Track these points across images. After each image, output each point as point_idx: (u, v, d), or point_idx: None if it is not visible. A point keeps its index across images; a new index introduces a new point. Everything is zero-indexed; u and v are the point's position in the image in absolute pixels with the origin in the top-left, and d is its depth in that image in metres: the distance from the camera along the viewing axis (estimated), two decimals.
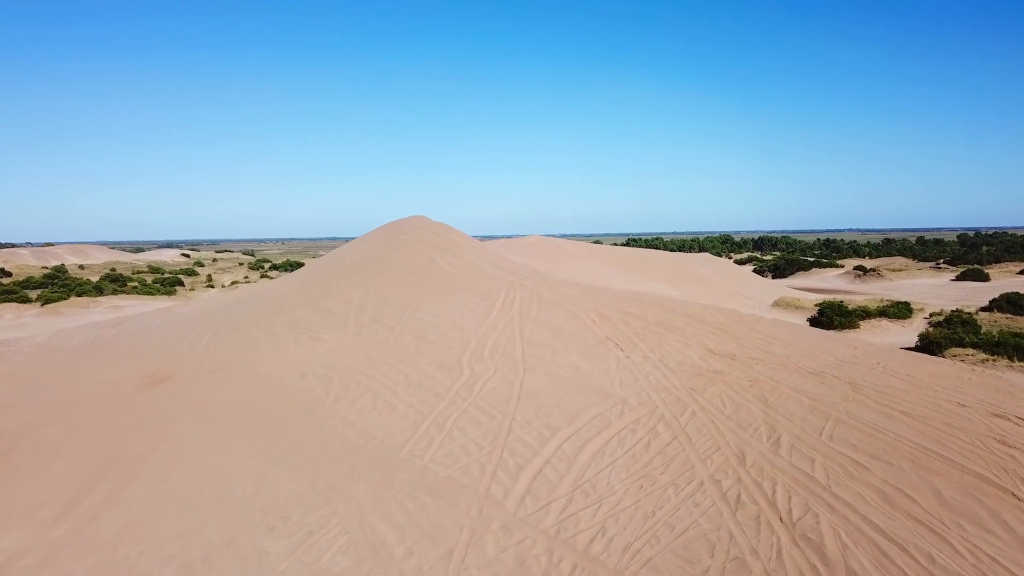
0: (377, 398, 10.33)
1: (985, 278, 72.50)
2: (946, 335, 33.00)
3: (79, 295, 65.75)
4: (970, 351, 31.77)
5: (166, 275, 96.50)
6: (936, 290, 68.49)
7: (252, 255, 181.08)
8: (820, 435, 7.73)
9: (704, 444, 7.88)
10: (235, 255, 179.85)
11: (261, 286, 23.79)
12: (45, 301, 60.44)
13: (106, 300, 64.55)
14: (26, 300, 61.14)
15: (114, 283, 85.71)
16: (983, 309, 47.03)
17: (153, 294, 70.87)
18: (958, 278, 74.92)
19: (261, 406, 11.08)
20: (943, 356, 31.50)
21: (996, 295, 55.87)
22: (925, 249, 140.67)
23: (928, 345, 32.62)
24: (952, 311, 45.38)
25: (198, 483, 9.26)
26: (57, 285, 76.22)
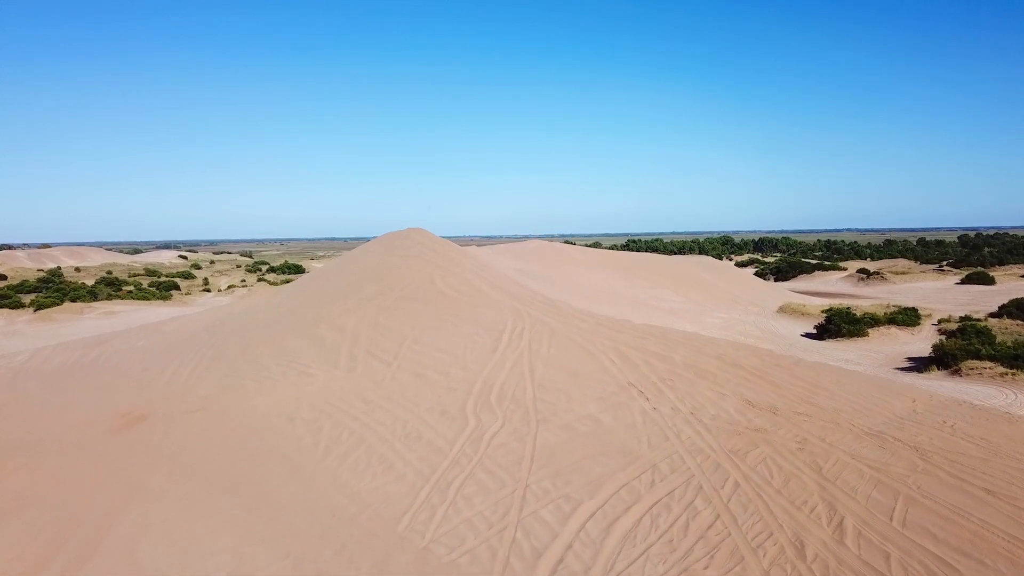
0: (372, 452, 9.19)
1: (990, 281, 71.50)
2: (961, 346, 31.87)
3: (73, 300, 64.60)
4: (987, 364, 30.63)
5: (162, 279, 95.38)
6: (941, 294, 67.42)
7: (250, 256, 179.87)
8: (891, 519, 6.58)
9: (753, 527, 6.75)
10: (233, 256, 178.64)
11: (253, 301, 22.63)
12: (38, 307, 59.26)
13: (100, 305, 63.39)
14: (19, 305, 59.99)
15: (109, 287, 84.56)
16: (992, 315, 45.96)
17: (148, 299, 69.73)
18: (963, 281, 73.93)
19: (243, 457, 9.94)
20: (959, 368, 30.43)
21: (1003, 299, 54.84)
22: (927, 251, 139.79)
23: (943, 357, 31.49)
24: (961, 317, 44.34)
25: (167, 558, 8.10)
26: (51, 289, 75.08)
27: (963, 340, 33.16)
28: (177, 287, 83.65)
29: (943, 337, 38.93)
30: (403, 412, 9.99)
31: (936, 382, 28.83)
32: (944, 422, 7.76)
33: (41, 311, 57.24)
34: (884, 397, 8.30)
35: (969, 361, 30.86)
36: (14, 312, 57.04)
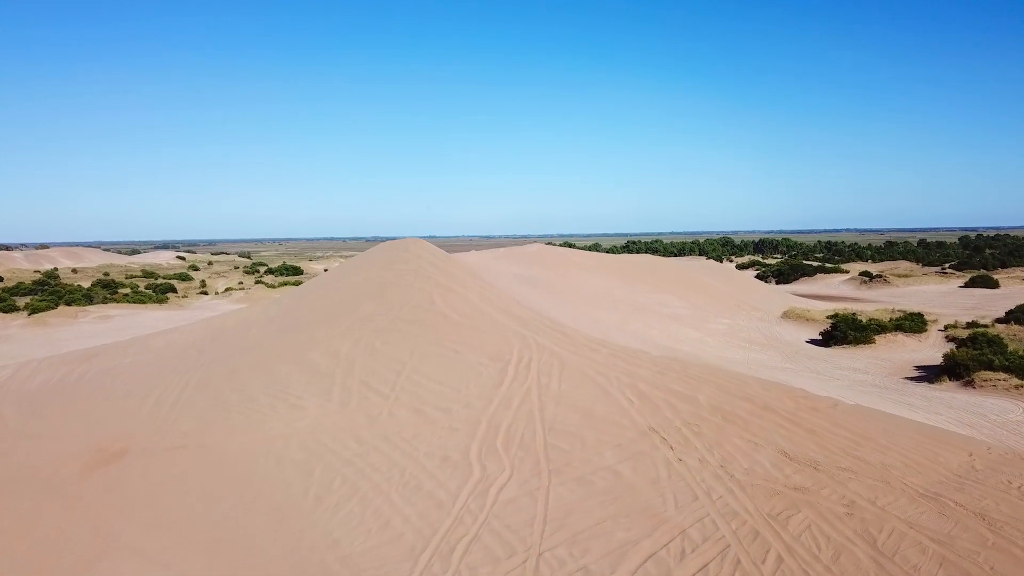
0: (366, 504, 8.32)
1: (994, 285, 70.77)
2: (973, 356, 31.01)
3: (68, 303, 63.73)
4: (1002, 376, 29.80)
5: (159, 281, 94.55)
6: (945, 297, 66.65)
7: (248, 257, 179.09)
8: None
9: None
10: (231, 257, 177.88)
11: (246, 314, 21.76)
12: (32, 310, 58.40)
13: (95, 309, 62.52)
14: (13, 308, 59.15)
15: (105, 289, 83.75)
16: (999, 320, 45.19)
17: (144, 302, 68.88)
18: (967, 285, 73.19)
19: (226, 505, 9.09)
20: (972, 380, 29.59)
21: (1008, 303, 54.10)
22: (928, 252, 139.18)
23: (954, 367, 30.67)
24: (968, 323, 43.54)
25: None
26: (47, 292, 74.28)
27: (975, 349, 32.32)
28: (174, 289, 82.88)
29: (952, 345, 38.09)
30: (401, 456, 9.12)
31: (949, 394, 27.98)
32: (1010, 483, 6.91)
33: (35, 315, 56.41)
34: (937, 449, 7.44)
35: (982, 372, 30.03)
36: (8, 316, 56.19)
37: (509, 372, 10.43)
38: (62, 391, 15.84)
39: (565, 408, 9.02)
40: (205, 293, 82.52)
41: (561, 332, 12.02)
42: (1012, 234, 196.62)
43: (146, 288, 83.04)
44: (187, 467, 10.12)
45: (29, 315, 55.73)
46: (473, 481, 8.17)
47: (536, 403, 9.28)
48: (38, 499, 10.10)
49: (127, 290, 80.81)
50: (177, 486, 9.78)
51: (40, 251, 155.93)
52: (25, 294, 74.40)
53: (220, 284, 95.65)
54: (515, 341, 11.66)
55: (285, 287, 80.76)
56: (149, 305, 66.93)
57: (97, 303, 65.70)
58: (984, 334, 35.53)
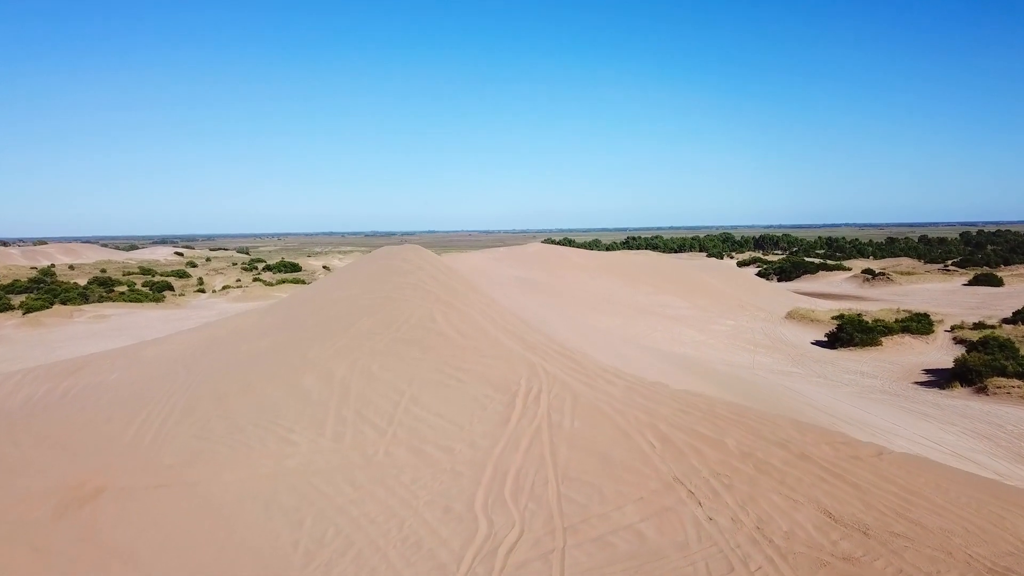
0: (361, 563, 7.51)
1: (998, 283, 70.15)
2: (985, 362, 30.23)
3: (64, 302, 63.00)
4: (1015, 383, 29.05)
5: (156, 278, 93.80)
6: (949, 296, 65.97)
7: (247, 253, 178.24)
8: None
9: None
10: (229, 253, 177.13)
11: (239, 323, 20.92)
12: (27, 310, 57.63)
13: (90, 309, 61.74)
14: (8, 307, 58.42)
15: (102, 287, 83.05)
16: (1006, 321, 44.57)
17: (141, 300, 68.14)
18: (970, 283, 72.61)
19: (207, 557, 8.27)
20: (985, 386, 28.82)
21: (1013, 302, 53.58)
22: (930, 249, 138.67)
23: (966, 373, 29.90)
24: (975, 324, 42.83)
25: None
26: (42, 290, 73.58)
27: (987, 355, 31.54)
28: (171, 287, 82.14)
29: (961, 347, 37.36)
30: (399, 504, 8.30)
31: (962, 401, 27.21)
32: None
33: (30, 314, 55.63)
34: (1001, 511, 6.64)
35: (995, 379, 29.27)
36: (2, 315, 55.41)
37: (517, 406, 9.60)
38: (43, 412, 15.02)
39: (580, 452, 8.21)
40: (202, 291, 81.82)
41: (571, 358, 11.17)
42: (1013, 230, 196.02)
43: (143, 286, 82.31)
44: (167, 510, 9.32)
45: (24, 314, 54.96)
46: (480, 539, 7.37)
47: (547, 444, 8.47)
48: (5, 546, 9.30)
49: (124, 288, 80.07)
50: (155, 533, 8.98)
51: (37, 247, 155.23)
52: (21, 292, 73.69)
53: (218, 282, 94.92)
54: (522, 369, 10.83)
55: (283, 285, 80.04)
56: (145, 304, 66.17)
57: (93, 302, 64.94)
58: (995, 338, 34.76)
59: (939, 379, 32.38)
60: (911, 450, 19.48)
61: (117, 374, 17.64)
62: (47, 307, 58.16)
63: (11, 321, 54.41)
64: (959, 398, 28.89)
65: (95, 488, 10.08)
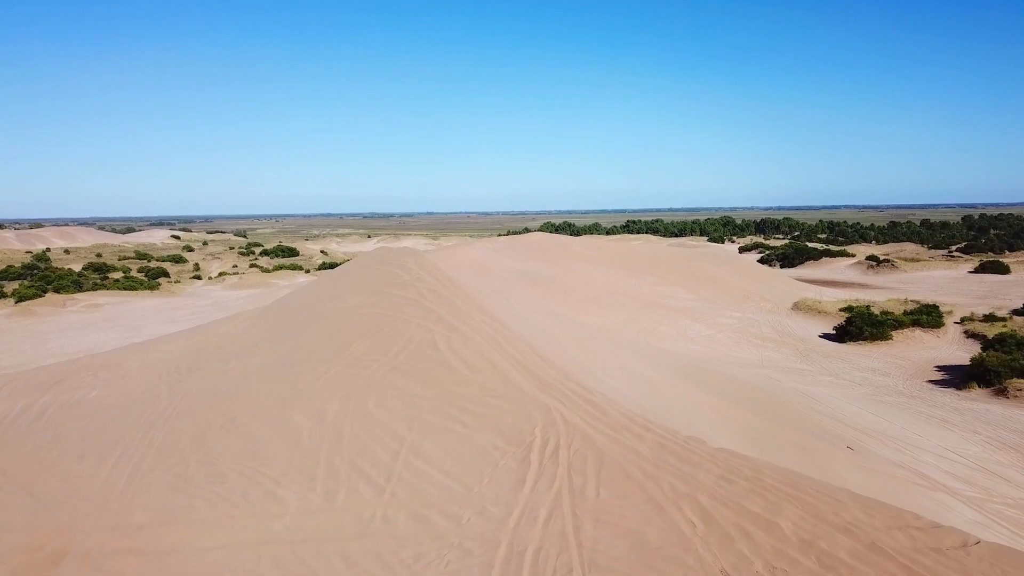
0: None
1: (1005, 270, 69.15)
2: (1004, 361, 29.24)
3: (57, 290, 61.95)
4: None
5: (151, 264, 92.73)
6: (955, 284, 64.91)
7: (244, 236, 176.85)
8: None
9: None
10: (226, 237, 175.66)
11: (229, 329, 19.97)
12: (19, 298, 56.61)
13: (84, 297, 60.63)
14: (1, 295, 57.48)
15: (97, 273, 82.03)
16: (1016, 312, 43.63)
17: (135, 288, 67.04)
18: (976, 270, 71.57)
19: None
20: (1004, 388, 27.86)
21: (1023, 291, 52.67)
22: (933, 233, 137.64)
23: (983, 373, 28.97)
24: (984, 315, 41.86)
25: None
26: (36, 277, 72.51)
27: (1005, 354, 30.58)
28: (166, 274, 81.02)
29: (973, 341, 36.42)
30: None
31: (982, 405, 26.32)
32: None
33: (22, 303, 54.58)
34: None
35: (1016, 380, 28.31)
36: None
37: (532, 464, 8.56)
38: (13, 441, 13.99)
39: (608, 530, 7.20)
40: (198, 277, 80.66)
41: (591, 401, 10.11)
42: (1016, 213, 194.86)
43: (138, 272, 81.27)
44: None
45: (16, 303, 53.92)
46: None
47: (570, 518, 7.47)
48: None
49: (119, 274, 79.02)
50: None
51: (33, 231, 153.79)
52: (15, 278, 72.66)
53: (214, 267, 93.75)
54: (536, 415, 9.78)
55: (280, 271, 78.95)
56: (140, 292, 65.05)
57: (87, 290, 63.81)
58: (1012, 335, 33.79)
59: (954, 378, 31.45)
60: (939, 467, 18.54)
61: (97, 391, 16.63)
62: (40, 295, 57.13)
63: (3, 311, 53.32)
64: (978, 400, 27.98)
65: (57, 551, 9.08)
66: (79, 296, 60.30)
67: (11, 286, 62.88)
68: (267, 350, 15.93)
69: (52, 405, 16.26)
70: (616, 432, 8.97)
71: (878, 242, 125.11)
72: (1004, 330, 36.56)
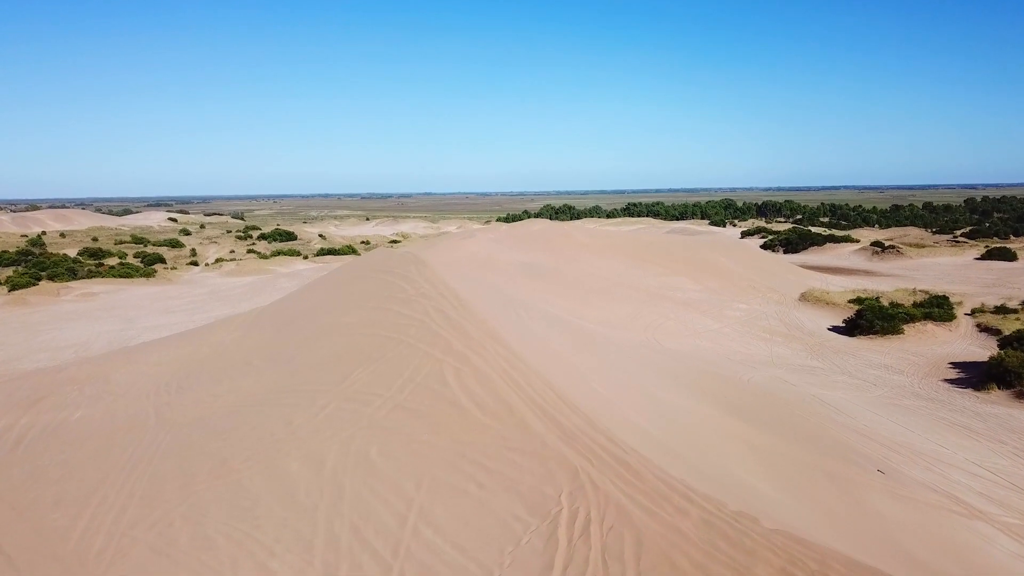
0: None
1: (1012, 257, 68.19)
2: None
3: (51, 278, 60.87)
4: None
5: (147, 248, 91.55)
6: (962, 271, 63.90)
7: (242, 219, 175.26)
8: None
9: None
10: (224, 219, 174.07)
11: (222, 339, 19.02)
12: (13, 286, 55.51)
13: (78, 286, 59.51)
14: None
15: (92, 258, 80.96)
16: None
17: (131, 276, 65.90)
18: (982, 257, 70.57)
19: None
20: None
21: None
22: (936, 217, 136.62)
23: (1003, 374, 28.01)
24: (996, 307, 40.90)
25: None
26: (31, 263, 71.38)
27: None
28: (162, 259, 79.83)
29: (987, 336, 35.46)
30: None
31: (1004, 409, 25.40)
32: None
33: (15, 292, 53.50)
34: None
35: None
36: None
37: (560, 543, 7.50)
38: None
39: None
40: (195, 264, 79.54)
41: (623, 462, 8.92)
42: (1018, 196, 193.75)
43: (134, 257, 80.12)
44: None
45: (9, 291, 52.85)
46: None
47: None
48: None
49: (115, 259, 77.90)
50: None
51: (28, 213, 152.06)
52: (9, 264, 71.57)
53: (211, 252, 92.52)
54: (561, 476, 8.68)
55: (278, 257, 77.85)
56: (135, 280, 63.93)
57: (81, 277, 62.68)
58: None
59: (971, 376, 30.48)
60: (972, 487, 17.67)
61: (81, 411, 15.67)
62: (33, 284, 56.01)
63: None
64: (999, 404, 27.04)
65: None
66: (73, 284, 59.18)
67: (5, 273, 61.81)
68: (261, 370, 14.95)
69: (33, 428, 15.31)
70: (655, 504, 7.90)
71: (881, 226, 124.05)
72: (1019, 324, 35.59)
